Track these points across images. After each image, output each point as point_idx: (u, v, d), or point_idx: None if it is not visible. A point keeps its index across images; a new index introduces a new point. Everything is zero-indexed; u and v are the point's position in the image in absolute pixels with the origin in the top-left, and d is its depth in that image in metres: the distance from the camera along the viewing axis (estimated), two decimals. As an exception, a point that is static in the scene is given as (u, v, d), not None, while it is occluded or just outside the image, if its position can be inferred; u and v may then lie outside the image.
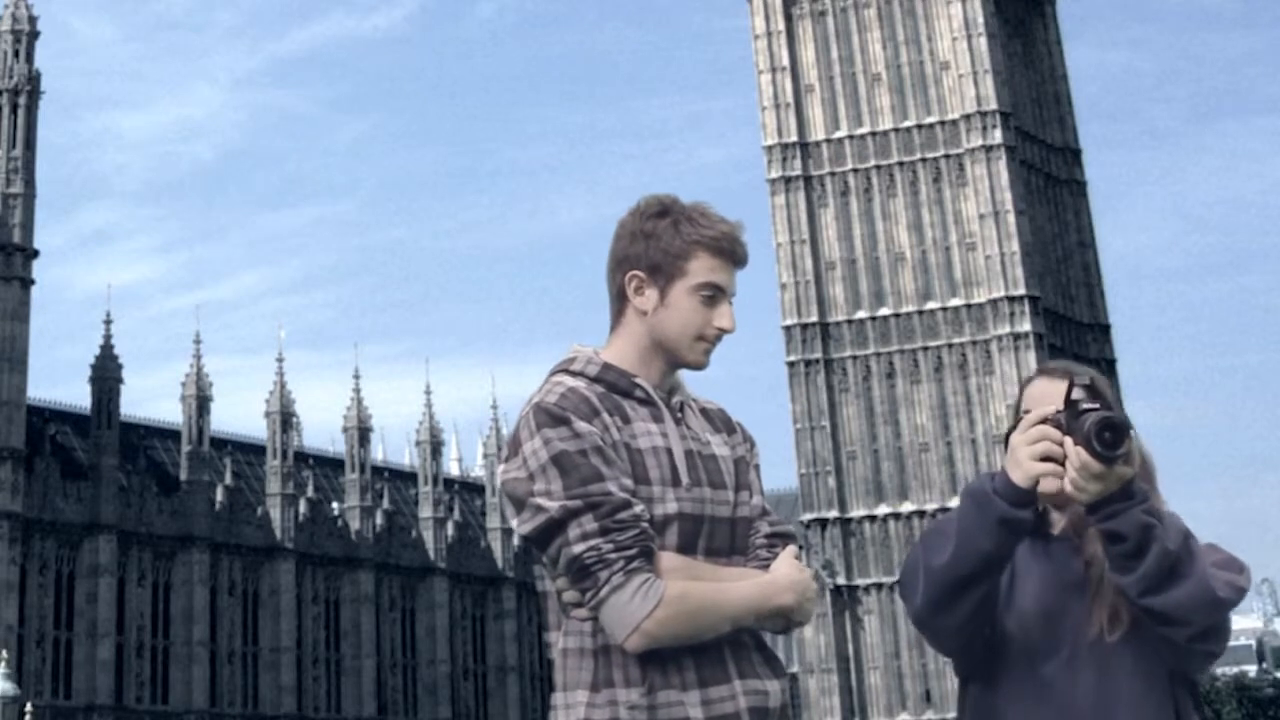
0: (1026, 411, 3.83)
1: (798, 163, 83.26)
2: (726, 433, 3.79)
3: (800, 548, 3.77)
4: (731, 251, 3.70)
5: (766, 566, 3.63)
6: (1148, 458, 3.91)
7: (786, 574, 3.60)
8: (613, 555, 3.41)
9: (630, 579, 3.40)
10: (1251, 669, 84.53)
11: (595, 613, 3.47)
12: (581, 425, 3.50)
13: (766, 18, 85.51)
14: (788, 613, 3.58)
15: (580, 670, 3.52)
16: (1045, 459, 3.57)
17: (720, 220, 3.72)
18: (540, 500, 3.46)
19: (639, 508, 3.46)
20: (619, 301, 3.73)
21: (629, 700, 3.44)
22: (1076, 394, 3.60)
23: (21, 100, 65.59)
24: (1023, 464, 3.58)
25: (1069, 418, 3.58)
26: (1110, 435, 3.51)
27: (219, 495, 69.40)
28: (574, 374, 3.66)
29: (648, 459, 3.57)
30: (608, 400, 3.60)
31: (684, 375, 3.81)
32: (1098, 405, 3.57)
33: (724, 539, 3.64)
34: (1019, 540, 3.67)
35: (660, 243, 3.67)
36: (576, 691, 3.51)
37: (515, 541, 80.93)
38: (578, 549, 3.43)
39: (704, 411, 3.80)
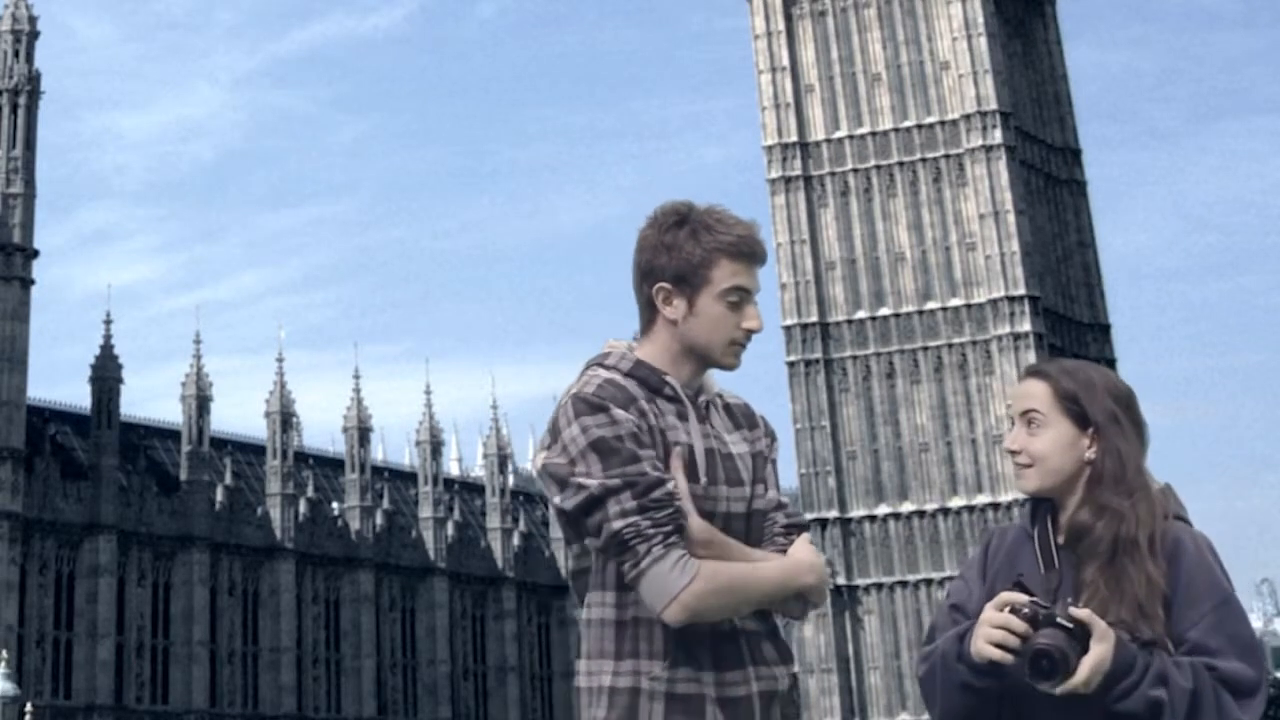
0: (1015, 416, 3.88)
1: (798, 163, 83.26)
2: (749, 428, 3.95)
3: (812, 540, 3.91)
4: (751, 253, 3.84)
5: (784, 553, 3.81)
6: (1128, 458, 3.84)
7: (807, 556, 3.80)
8: (650, 530, 3.57)
9: (669, 552, 3.58)
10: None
11: (636, 584, 3.62)
12: (619, 413, 3.66)
13: (766, 18, 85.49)
14: (808, 592, 3.77)
15: (603, 640, 3.70)
16: (1000, 647, 3.54)
17: (736, 223, 3.84)
18: (581, 479, 3.62)
19: (671, 484, 3.64)
20: (648, 311, 3.87)
21: (650, 671, 3.63)
22: (1076, 610, 3.51)
23: (21, 100, 65.56)
24: (977, 643, 3.59)
25: (1045, 618, 3.51)
26: (1046, 664, 3.45)
27: (219, 495, 69.38)
28: (609, 368, 3.81)
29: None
30: (640, 392, 3.78)
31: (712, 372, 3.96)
32: (1071, 627, 3.47)
33: (739, 532, 3.79)
34: (994, 694, 3.66)
35: (682, 253, 3.79)
36: (602, 660, 3.70)
37: (515, 541, 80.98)
38: (617, 525, 3.59)
39: (728, 407, 3.96)
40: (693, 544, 3.63)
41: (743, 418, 3.95)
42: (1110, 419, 3.84)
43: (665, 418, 3.75)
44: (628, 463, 3.60)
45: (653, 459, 3.64)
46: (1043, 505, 3.92)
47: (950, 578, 77.21)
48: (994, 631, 3.55)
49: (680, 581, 3.55)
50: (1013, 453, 3.92)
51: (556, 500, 3.69)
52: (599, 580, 3.71)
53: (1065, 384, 3.88)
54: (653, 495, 3.58)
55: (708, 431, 3.82)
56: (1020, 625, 3.51)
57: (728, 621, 3.69)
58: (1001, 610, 3.57)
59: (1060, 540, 3.86)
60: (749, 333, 3.83)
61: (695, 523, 3.66)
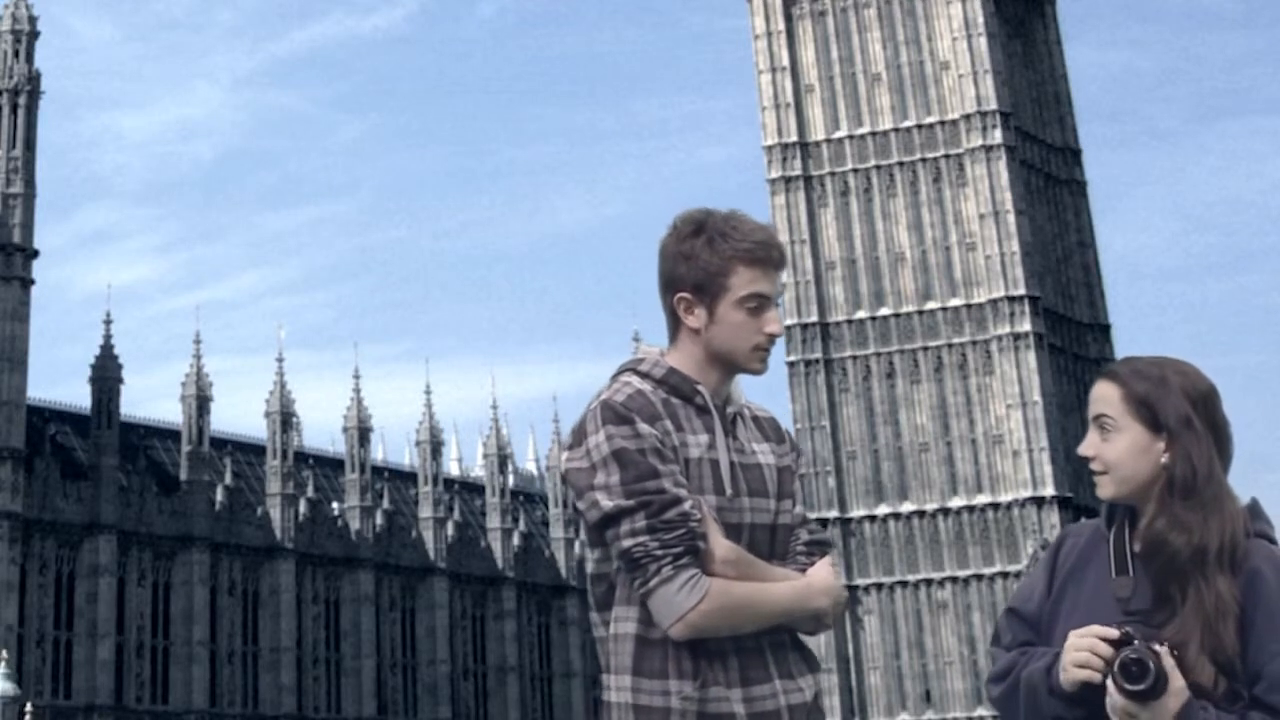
0: (1090, 419, 3.78)
1: (798, 163, 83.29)
2: (776, 442, 4.02)
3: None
4: (768, 258, 3.89)
5: (804, 571, 3.88)
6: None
7: (823, 579, 3.86)
8: (659, 552, 3.64)
9: (678, 574, 3.64)
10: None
11: (645, 602, 3.70)
12: (643, 426, 3.73)
13: (766, 18, 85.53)
14: (821, 615, 3.84)
15: (628, 656, 3.74)
16: (1084, 667, 3.51)
17: (753, 229, 3.90)
18: (598, 495, 3.70)
19: (688, 504, 3.69)
20: (673, 320, 3.94)
21: (682, 691, 3.67)
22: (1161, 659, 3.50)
23: (21, 100, 65.54)
24: (1065, 667, 3.56)
25: (1129, 641, 3.51)
26: (1137, 670, 3.44)
27: (219, 495, 69.35)
28: (642, 375, 3.88)
29: (691, 470, 3.79)
30: (669, 406, 3.83)
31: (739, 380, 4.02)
32: (1159, 657, 3.48)
33: (764, 544, 3.86)
34: None
35: (699, 262, 3.86)
36: (623, 675, 3.73)
37: (515, 541, 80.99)
38: (627, 543, 3.67)
39: (756, 420, 4.03)
40: (716, 562, 3.68)
41: (771, 431, 4.02)
42: (1183, 423, 3.66)
43: (688, 434, 3.79)
44: (645, 477, 3.66)
45: (673, 475, 3.69)
46: (1120, 506, 3.79)
47: (950, 578, 77.32)
48: (1078, 655, 3.51)
49: (688, 602, 3.62)
50: (1087, 459, 3.78)
51: (579, 506, 3.78)
52: (624, 595, 3.75)
53: (1136, 387, 3.71)
54: (664, 516, 3.64)
55: (731, 444, 3.87)
56: (1105, 648, 3.50)
57: (750, 636, 3.74)
58: (1081, 639, 3.53)
59: (1137, 548, 3.72)
60: (771, 337, 3.89)
61: (721, 543, 3.71)
